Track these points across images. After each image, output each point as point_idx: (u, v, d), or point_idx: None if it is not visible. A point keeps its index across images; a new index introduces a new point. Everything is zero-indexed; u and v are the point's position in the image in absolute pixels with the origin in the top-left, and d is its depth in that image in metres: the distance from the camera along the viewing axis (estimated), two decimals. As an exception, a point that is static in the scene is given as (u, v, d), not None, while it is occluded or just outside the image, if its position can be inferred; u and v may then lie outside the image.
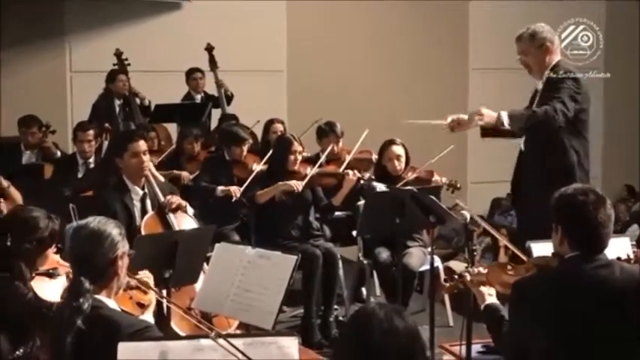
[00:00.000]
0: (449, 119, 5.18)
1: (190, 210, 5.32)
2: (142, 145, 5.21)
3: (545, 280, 3.23)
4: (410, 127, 5.61)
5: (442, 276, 6.36)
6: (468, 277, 3.56)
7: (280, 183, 6.06)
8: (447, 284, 3.66)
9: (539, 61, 5.15)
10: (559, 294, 3.10)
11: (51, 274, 3.98)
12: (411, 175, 6.25)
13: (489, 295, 3.49)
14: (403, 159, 6.34)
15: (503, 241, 4.13)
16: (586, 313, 3.05)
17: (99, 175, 6.68)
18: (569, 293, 3.09)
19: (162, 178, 5.85)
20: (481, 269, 3.58)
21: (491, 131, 5.22)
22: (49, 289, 3.96)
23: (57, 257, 3.94)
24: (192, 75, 8.78)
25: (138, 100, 8.61)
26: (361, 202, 6.13)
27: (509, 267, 3.53)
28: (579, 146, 5.17)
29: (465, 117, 5.15)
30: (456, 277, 3.61)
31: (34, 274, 3.84)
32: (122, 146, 5.21)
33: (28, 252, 3.76)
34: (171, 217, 5.11)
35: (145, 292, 3.67)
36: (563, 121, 5.00)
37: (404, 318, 2.25)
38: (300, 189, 6.06)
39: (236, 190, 6.40)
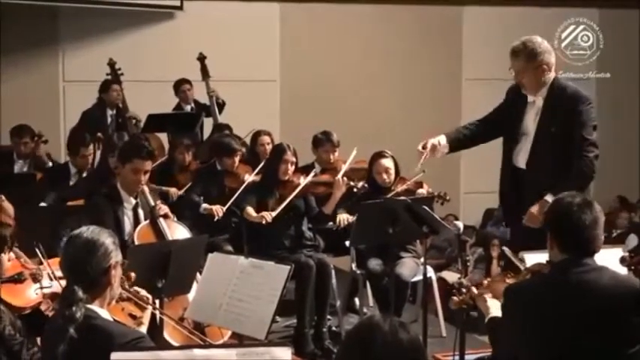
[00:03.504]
0: (419, 147, 4.95)
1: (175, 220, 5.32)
2: (147, 165, 5.17)
3: (534, 285, 3.25)
4: (403, 137, 5.59)
5: (435, 286, 6.36)
6: (475, 291, 3.56)
7: (255, 215, 6.04)
8: (456, 299, 3.62)
9: (535, 81, 4.80)
10: (546, 298, 3.11)
11: (17, 280, 4.05)
12: (400, 187, 6.22)
13: (496, 309, 3.48)
14: (392, 171, 6.27)
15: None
16: (571, 318, 3.05)
17: (90, 183, 6.67)
18: (555, 297, 3.10)
19: (151, 186, 5.83)
20: (485, 282, 3.60)
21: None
22: (22, 294, 4.04)
23: (8, 263, 3.95)
24: (180, 87, 8.76)
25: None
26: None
27: (508, 276, 3.54)
28: None
29: (434, 140, 4.92)
30: (464, 290, 3.59)
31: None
32: (128, 156, 5.17)
33: None
34: (163, 225, 5.09)
35: (137, 305, 3.66)
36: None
37: (408, 331, 2.20)
38: (269, 220, 5.99)
39: (218, 210, 6.36)
